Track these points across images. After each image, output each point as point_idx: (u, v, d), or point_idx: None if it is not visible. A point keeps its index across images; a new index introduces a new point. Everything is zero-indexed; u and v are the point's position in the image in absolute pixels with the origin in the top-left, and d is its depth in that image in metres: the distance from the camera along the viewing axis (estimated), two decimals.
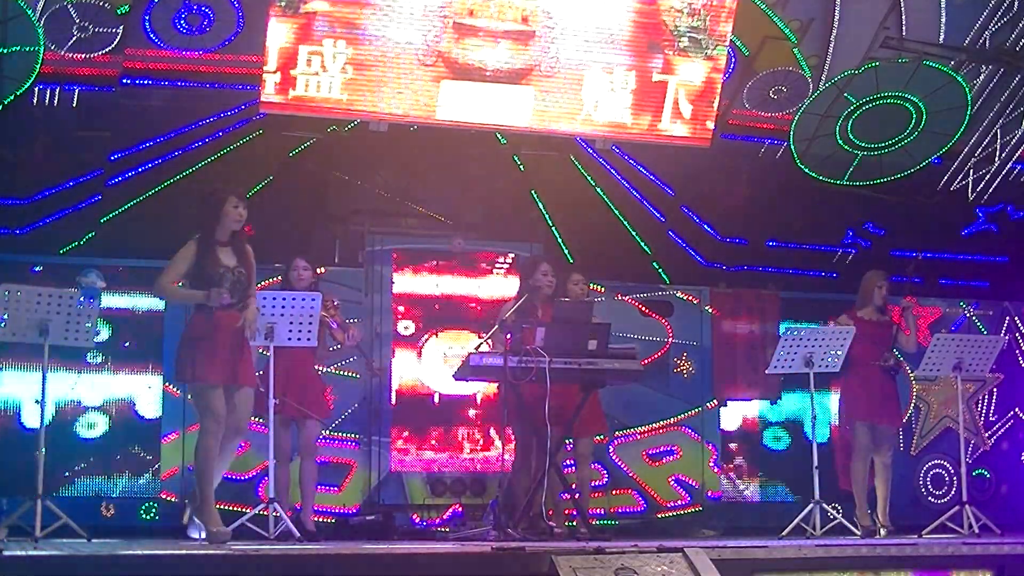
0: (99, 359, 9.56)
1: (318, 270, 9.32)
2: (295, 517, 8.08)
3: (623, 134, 10.14)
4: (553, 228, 10.82)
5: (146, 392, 9.68)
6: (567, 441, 8.62)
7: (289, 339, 7.78)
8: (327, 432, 9.70)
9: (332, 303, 8.45)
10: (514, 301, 8.70)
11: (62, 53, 9.30)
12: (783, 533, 8.34)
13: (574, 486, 8.61)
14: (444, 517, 9.93)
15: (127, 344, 9.69)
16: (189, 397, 8.92)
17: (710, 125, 10.09)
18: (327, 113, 9.61)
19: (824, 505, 8.43)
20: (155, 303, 9.72)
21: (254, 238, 10.07)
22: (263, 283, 9.28)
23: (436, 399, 10.32)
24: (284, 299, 7.79)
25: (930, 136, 10.67)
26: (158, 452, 9.61)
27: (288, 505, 8.30)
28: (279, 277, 8.75)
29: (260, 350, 8.25)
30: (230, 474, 9.54)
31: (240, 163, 9.99)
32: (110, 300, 9.56)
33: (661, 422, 10.67)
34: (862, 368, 8.90)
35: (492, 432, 10.19)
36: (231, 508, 8.95)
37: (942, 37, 10.69)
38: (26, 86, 9.08)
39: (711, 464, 10.76)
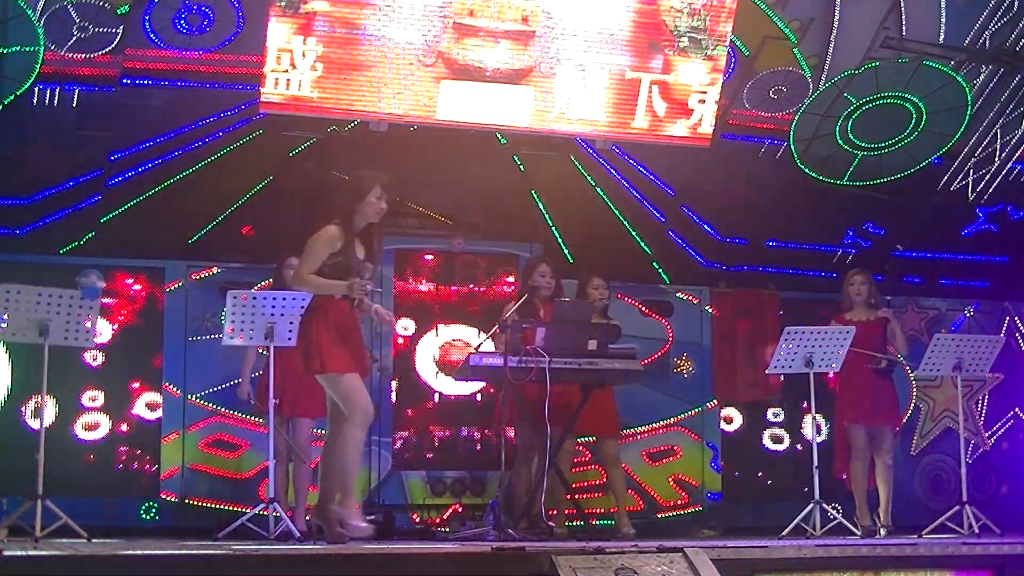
0: (99, 359, 9.57)
1: None
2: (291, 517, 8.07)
3: (623, 134, 10.14)
4: (553, 228, 10.82)
5: (146, 392, 9.68)
6: (582, 439, 8.64)
7: (289, 339, 7.77)
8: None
9: None
10: (515, 301, 8.71)
11: (62, 53, 9.30)
12: (783, 533, 8.34)
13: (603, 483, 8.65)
14: (444, 517, 9.93)
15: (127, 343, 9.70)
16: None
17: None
18: (327, 113, 9.61)
19: (824, 505, 8.43)
20: (155, 301, 9.75)
21: (254, 238, 10.14)
22: (261, 284, 9.32)
23: (436, 399, 10.33)
24: (284, 299, 7.79)
25: (930, 136, 10.67)
26: (158, 452, 9.61)
27: (286, 505, 8.30)
28: (270, 279, 8.75)
29: (260, 350, 8.26)
30: (230, 474, 9.58)
31: (240, 163, 9.99)
32: (110, 299, 9.57)
33: (661, 422, 10.67)
34: (854, 370, 8.90)
35: (492, 432, 10.21)
36: (231, 508, 8.97)
37: (942, 37, 10.68)
38: (26, 86, 9.08)
39: (711, 464, 10.76)
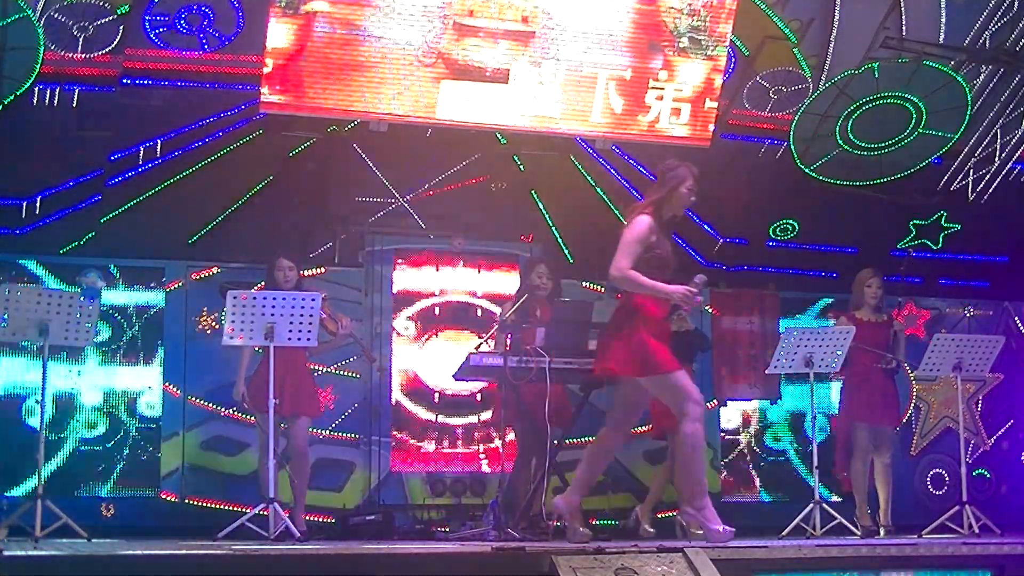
0: (99, 358, 9.57)
1: (317, 271, 9.32)
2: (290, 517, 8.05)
3: (623, 134, 10.14)
4: (553, 228, 10.82)
5: (146, 392, 9.68)
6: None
7: (289, 339, 7.77)
8: (327, 432, 9.71)
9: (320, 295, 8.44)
10: (513, 301, 8.72)
11: (62, 53, 9.30)
12: (783, 533, 8.33)
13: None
14: (444, 517, 9.93)
15: (127, 343, 9.69)
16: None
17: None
18: (327, 113, 9.61)
19: (824, 505, 8.43)
20: (156, 301, 9.74)
21: (254, 238, 10.13)
22: (261, 284, 9.31)
23: (436, 399, 10.33)
24: (284, 299, 7.78)
25: (930, 136, 10.68)
26: (158, 452, 9.60)
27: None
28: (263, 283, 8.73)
29: (256, 349, 8.24)
30: (230, 474, 9.57)
31: (240, 163, 9.99)
32: (110, 298, 9.57)
33: None
34: (859, 369, 8.90)
35: (492, 432, 10.20)
36: (231, 508, 8.96)
37: (942, 37, 10.69)
38: (26, 86, 9.07)
39: (711, 464, 10.75)
